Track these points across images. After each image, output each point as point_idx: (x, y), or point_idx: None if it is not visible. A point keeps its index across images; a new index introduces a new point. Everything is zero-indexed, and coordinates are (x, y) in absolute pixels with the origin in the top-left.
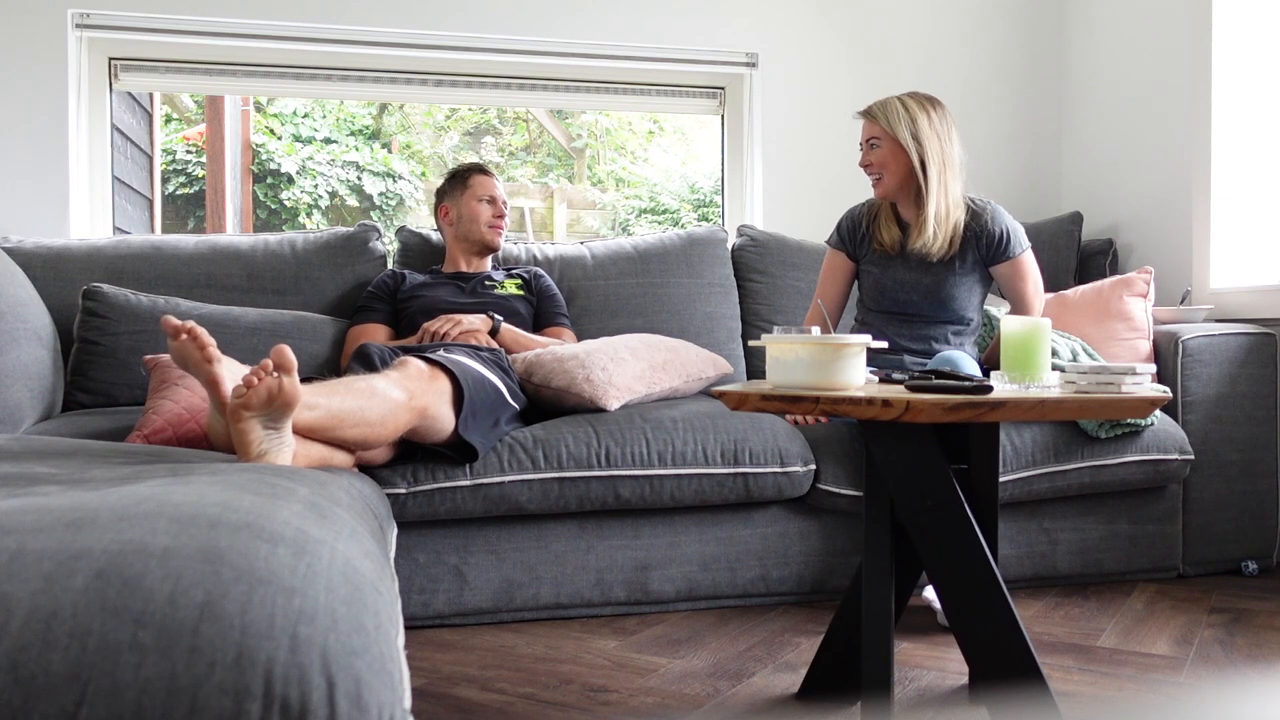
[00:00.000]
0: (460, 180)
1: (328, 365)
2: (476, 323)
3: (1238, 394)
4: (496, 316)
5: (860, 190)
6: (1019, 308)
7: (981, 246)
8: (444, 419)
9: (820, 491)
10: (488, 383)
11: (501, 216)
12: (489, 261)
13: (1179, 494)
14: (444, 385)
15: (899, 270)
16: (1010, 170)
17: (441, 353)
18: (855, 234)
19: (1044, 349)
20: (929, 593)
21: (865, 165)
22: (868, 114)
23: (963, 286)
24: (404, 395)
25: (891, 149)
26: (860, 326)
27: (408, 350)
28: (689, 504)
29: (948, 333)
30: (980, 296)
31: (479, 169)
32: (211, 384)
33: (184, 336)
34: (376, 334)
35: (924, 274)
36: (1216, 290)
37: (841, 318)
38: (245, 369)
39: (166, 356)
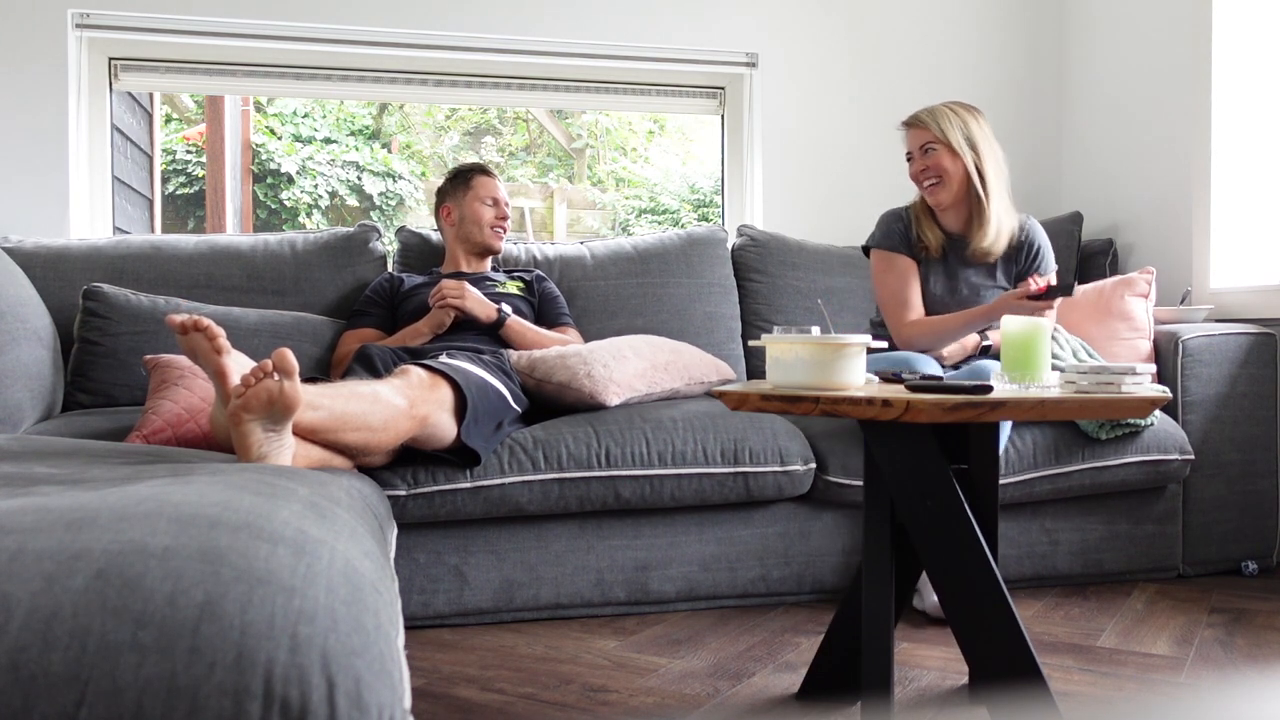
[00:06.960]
0: (463, 180)
1: (327, 367)
2: (487, 303)
3: (1238, 394)
4: (506, 309)
5: (861, 188)
6: None
7: (1022, 258)
8: (444, 427)
9: (828, 483)
10: (490, 388)
11: (504, 219)
12: (489, 263)
13: (1179, 494)
14: (445, 394)
15: (958, 276)
16: (1010, 170)
17: (444, 358)
18: (908, 236)
19: (1044, 349)
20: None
21: (920, 172)
22: (916, 122)
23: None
24: (405, 403)
25: (948, 154)
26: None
27: (410, 353)
28: (689, 504)
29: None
30: None
31: (482, 169)
32: (220, 375)
33: (193, 332)
34: (368, 340)
35: (986, 277)
36: (1216, 290)
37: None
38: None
39: (167, 356)
